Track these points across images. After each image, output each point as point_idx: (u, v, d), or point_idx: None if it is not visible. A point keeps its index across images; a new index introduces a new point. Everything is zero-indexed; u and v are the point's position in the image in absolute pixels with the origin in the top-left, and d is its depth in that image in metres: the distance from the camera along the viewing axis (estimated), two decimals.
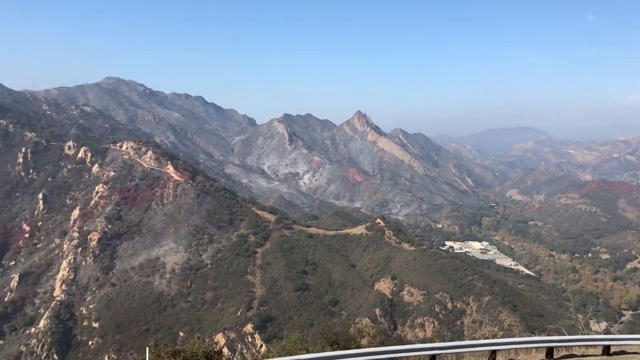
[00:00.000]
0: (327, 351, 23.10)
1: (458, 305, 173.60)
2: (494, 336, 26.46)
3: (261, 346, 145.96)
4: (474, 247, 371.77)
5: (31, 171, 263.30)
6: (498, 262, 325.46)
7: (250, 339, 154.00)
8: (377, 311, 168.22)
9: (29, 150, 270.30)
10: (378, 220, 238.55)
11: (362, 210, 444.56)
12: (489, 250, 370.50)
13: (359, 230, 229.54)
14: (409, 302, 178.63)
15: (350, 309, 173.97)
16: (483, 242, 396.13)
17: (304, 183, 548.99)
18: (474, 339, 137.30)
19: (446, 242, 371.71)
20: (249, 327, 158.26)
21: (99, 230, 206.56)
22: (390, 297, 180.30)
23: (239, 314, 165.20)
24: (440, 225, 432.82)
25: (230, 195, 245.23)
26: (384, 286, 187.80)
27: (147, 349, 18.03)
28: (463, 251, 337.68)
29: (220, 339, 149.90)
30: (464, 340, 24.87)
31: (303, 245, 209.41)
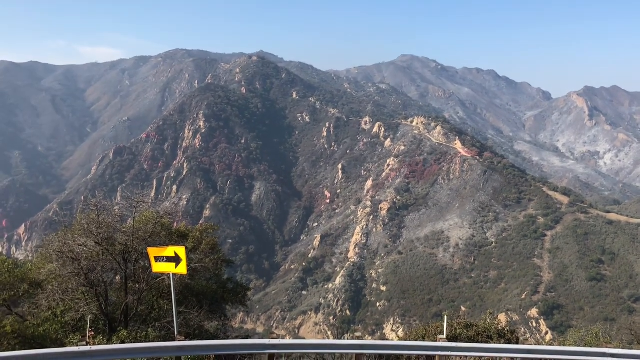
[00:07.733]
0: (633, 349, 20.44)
1: None
2: None
3: (546, 333, 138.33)
4: None
5: (333, 144, 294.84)
6: None
7: (534, 324, 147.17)
8: None
9: (331, 125, 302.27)
10: None
11: None
12: None
13: None
14: None
15: None
16: None
17: (605, 163, 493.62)
18: None
19: None
20: (533, 312, 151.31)
21: (389, 201, 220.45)
22: None
23: (523, 296, 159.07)
24: None
25: (519, 173, 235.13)
26: None
27: (445, 317, 18.64)
28: None
29: (502, 319, 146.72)
30: None
31: (600, 232, 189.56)
